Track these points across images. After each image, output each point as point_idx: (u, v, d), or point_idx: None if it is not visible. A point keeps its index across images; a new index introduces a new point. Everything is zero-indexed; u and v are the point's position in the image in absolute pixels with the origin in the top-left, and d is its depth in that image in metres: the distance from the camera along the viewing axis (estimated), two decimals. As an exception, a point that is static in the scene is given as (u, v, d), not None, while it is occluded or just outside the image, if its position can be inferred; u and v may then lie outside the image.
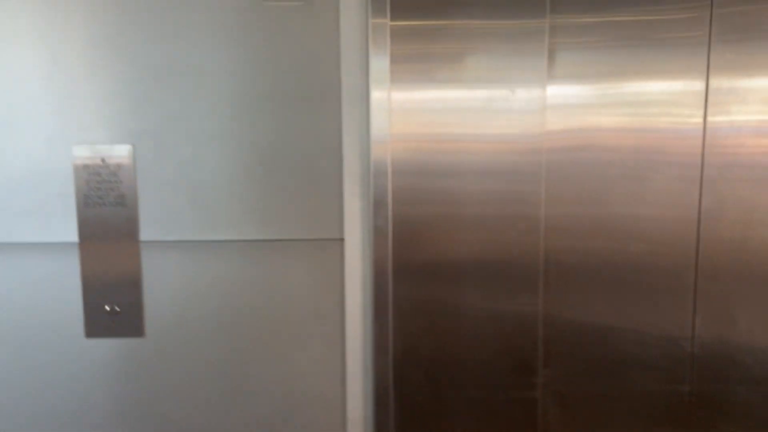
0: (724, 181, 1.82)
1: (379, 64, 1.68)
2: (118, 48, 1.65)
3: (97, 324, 1.71)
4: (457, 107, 1.78)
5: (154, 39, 1.65)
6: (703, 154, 1.81)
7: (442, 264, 1.83)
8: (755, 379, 1.88)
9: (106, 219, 1.69)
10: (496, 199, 1.83)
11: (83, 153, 1.66)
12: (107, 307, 1.71)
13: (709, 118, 1.79)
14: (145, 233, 1.69)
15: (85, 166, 1.67)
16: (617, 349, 1.88)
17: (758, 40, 1.76)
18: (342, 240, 1.72)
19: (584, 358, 1.89)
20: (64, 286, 1.70)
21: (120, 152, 1.67)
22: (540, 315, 1.87)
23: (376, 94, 1.68)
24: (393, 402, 1.81)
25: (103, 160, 1.66)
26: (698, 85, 1.78)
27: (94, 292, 1.70)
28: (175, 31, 1.64)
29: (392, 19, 1.71)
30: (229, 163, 1.69)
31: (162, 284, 1.71)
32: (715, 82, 1.78)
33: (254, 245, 1.72)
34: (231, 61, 1.66)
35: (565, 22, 1.77)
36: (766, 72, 1.77)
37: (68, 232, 1.68)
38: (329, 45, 1.67)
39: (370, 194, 1.70)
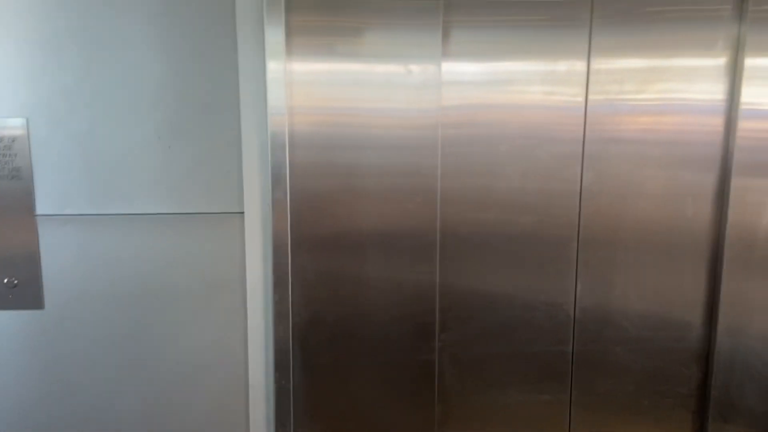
0: (603, 158, 1.94)
1: (274, 35, 1.70)
2: (11, 18, 1.62)
3: (-5, 297, 1.72)
4: (355, 81, 1.83)
5: (49, 8, 1.63)
6: (584, 132, 1.93)
7: (342, 235, 1.90)
8: (630, 340, 2.05)
9: (1, 192, 1.69)
10: (394, 172, 1.91)
11: (-27, 126, 1.65)
12: (5, 280, 1.72)
13: (590, 97, 1.91)
14: (42, 207, 1.70)
15: (-23, 140, 1.66)
16: (507, 315, 2.00)
17: (637, 23, 1.87)
18: (242, 213, 1.77)
19: (478, 323, 2.01)
20: (-42, 259, 1.70)
21: (14, 124, 1.66)
22: (437, 283, 1.97)
23: (272, 66, 1.71)
24: (293, 367, 1.89)
25: (-6, 133, 1.65)
26: (580, 65, 1.88)
27: (-10, 265, 1.70)
28: (70, 3, 1.63)
29: None
30: (127, 136, 1.70)
31: (60, 257, 1.73)
32: (595, 63, 1.88)
33: (153, 219, 1.75)
34: (129, 32, 1.66)
35: (458, 1, 1.83)
36: (643, 53, 1.88)
37: (-39, 205, 1.68)
38: (225, 18, 1.68)
39: (268, 168, 1.74)
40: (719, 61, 1.90)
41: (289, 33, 1.74)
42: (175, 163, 1.73)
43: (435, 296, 1.98)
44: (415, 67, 1.85)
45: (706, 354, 2.07)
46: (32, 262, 1.71)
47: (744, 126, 1.91)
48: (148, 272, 1.77)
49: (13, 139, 1.67)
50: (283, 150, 1.76)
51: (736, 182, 1.94)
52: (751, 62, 1.87)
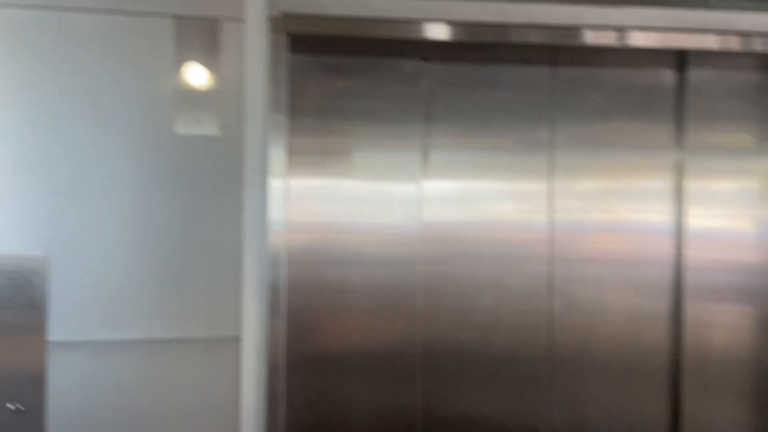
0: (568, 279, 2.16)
1: (277, 156, 1.93)
2: (38, 164, 1.84)
3: (0, 423, 1.79)
4: (345, 197, 2.07)
5: (71, 156, 1.86)
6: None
7: (332, 354, 2.05)
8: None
9: (16, 320, 1.81)
10: (379, 289, 2.09)
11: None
12: (11, 406, 1.79)
13: (556, 215, 2.15)
14: (53, 333, 1.82)
15: (0, 272, 1.81)
16: (486, 436, 2.12)
17: (595, 148, 2.17)
18: (238, 338, 1.91)
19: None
20: (-32, 385, 1.78)
21: (34, 258, 1.82)
22: (420, 406, 2.09)
23: (274, 183, 1.92)
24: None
25: (17, 265, 1.81)
26: (543, 185, 2.15)
27: (-2, 391, 1.79)
28: (92, 150, 1.86)
29: (290, 117, 1.98)
30: (135, 268, 1.87)
31: (66, 382, 1.83)
32: (557, 184, 2.15)
33: (156, 344, 1.88)
34: (140, 178, 1.88)
35: (437, 128, 2.12)
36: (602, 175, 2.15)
37: (-23, 333, 1.79)
38: (235, 163, 1.93)
39: (266, 292, 1.90)
40: (665, 185, 2.19)
41: (290, 154, 1.98)
42: (178, 292, 1.89)
43: (418, 420, 2.10)
44: (398, 186, 2.10)
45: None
46: (39, 387, 1.80)
47: (690, 247, 2.17)
48: (149, 396, 1.87)
49: (33, 271, 1.82)
50: (280, 266, 1.93)
51: (689, 304, 2.16)
52: (692, 186, 2.15)
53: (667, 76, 2.21)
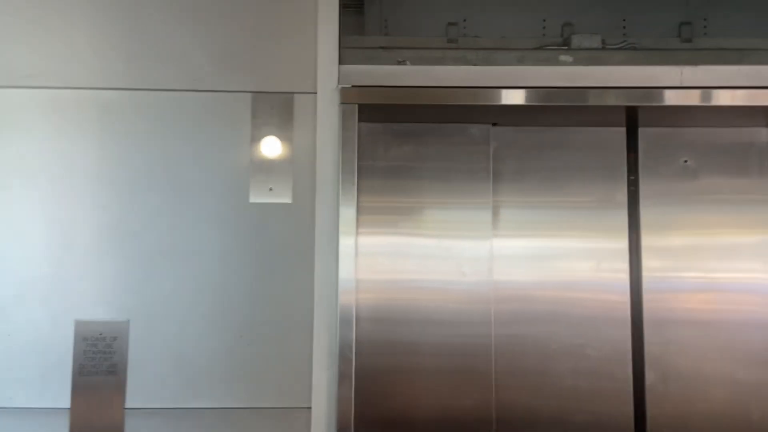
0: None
1: (347, 214, 1.92)
2: (122, 233, 1.93)
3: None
4: (413, 254, 2.03)
5: (153, 226, 1.94)
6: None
7: (400, 421, 1.99)
8: None
9: (97, 386, 1.87)
10: (449, 350, 2.02)
11: (84, 327, 1.89)
12: (89, 472, 1.84)
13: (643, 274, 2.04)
14: (131, 400, 1.87)
15: (84, 339, 1.89)
16: None
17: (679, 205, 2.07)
18: (309, 408, 1.90)
19: None
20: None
21: (117, 326, 1.90)
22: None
23: (344, 241, 1.91)
24: None
25: (101, 333, 1.89)
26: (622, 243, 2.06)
27: (78, 457, 1.84)
28: (173, 220, 1.94)
29: (360, 178, 1.97)
30: (212, 336, 1.91)
31: (142, 449, 1.87)
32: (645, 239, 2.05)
33: (229, 413, 1.89)
34: (219, 248, 1.94)
35: (506, 188, 2.08)
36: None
37: (62, 398, 1.86)
38: (306, 229, 1.95)
39: (336, 360, 1.88)
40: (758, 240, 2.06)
41: (360, 212, 1.98)
42: (252, 359, 1.91)
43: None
44: (468, 243, 2.05)
45: None
46: (117, 456, 1.85)
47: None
48: (220, 466, 1.88)
49: (114, 338, 1.90)
50: (350, 325, 1.90)
51: None
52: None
53: (758, 133, 2.10)
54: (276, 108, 1.97)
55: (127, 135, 1.96)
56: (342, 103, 1.95)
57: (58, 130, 1.95)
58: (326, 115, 1.96)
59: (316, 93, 1.97)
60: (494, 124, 2.09)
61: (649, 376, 2.01)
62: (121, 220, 1.94)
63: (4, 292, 1.90)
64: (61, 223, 1.92)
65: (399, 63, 2.01)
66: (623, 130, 2.10)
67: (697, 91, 1.97)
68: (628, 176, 2.09)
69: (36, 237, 1.91)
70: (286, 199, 1.96)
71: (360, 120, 1.95)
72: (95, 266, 1.92)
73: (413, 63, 2.00)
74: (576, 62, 2.01)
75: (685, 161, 2.10)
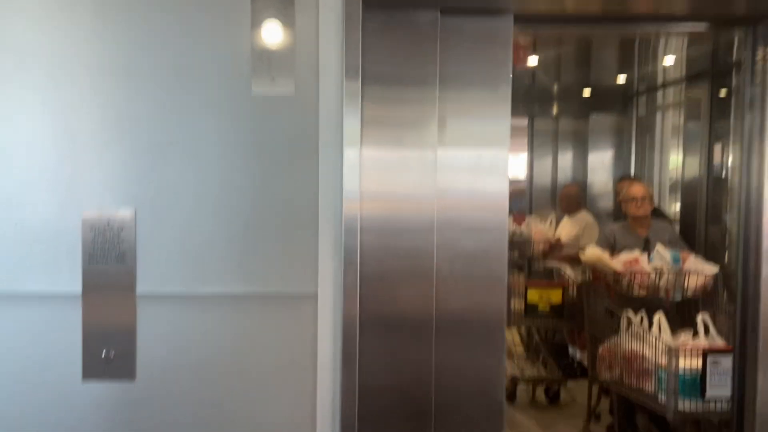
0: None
1: (351, 125, 1.88)
2: (125, 123, 1.92)
3: (94, 368, 1.91)
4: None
5: (157, 116, 1.92)
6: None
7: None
8: None
9: (107, 274, 1.91)
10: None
11: (91, 216, 1.91)
12: (104, 353, 1.91)
13: None
14: (141, 287, 1.92)
15: (92, 228, 1.91)
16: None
17: None
18: (315, 295, 1.94)
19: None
20: (66, 332, 1.91)
21: (123, 215, 1.91)
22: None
23: (348, 153, 1.88)
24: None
25: (108, 222, 1.90)
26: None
27: (92, 338, 1.90)
28: (177, 111, 1.92)
29: (363, 83, 1.88)
30: (216, 225, 1.93)
31: (153, 333, 1.92)
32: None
33: (237, 299, 1.94)
34: (221, 138, 1.93)
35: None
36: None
37: (73, 285, 1.91)
38: (310, 125, 1.93)
39: (341, 253, 1.92)
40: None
41: (364, 122, 1.91)
42: (257, 248, 1.94)
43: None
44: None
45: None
46: (129, 336, 1.91)
47: None
48: (229, 347, 1.94)
49: (122, 228, 1.92)
50: (354, 234, 1.92)
51: None
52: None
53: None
54: (276, -9, 1.91)
55: (125, 21, 1.90)
56: (346, -14, 1.86)
57: (52, 12, 1.89)
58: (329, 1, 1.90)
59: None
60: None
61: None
62: (124, 110, 1.92)
63: (9, 181, 1.90)
64: (63, 112, 1.90)
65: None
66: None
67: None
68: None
69: (38, 124, 1.90)
70: (289, 90, 1.93)
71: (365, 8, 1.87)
72: (99, 156, 1.92)
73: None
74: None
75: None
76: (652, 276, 3.97)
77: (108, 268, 1.91)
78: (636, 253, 4.14)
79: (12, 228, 1.91)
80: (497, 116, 1.99)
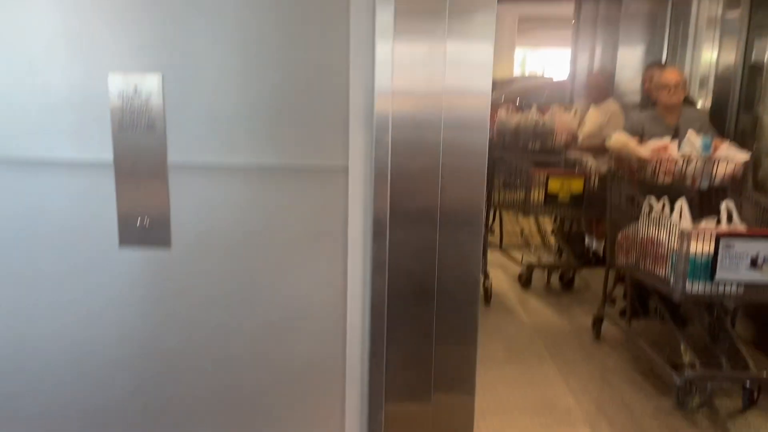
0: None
1: (384, 16, 1.81)
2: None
3: (130, 235, 1.94)
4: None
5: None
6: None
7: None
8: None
9: (138, 142, 1.89)
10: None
11: (118, 81, 1.86)
12: (138, 221, 1.93)
13: None
14: (172, 156, 1.90)
15: (120, 95, 1.87)
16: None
17: None
18: (346, 168, 1.92)
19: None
20: (100, 200, 1.92)
21: (151, 81, 1.86)
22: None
23: (380, 47, 1.81)
24: (387, 314, 2.03)
25: (135, 88, 1.86)
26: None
27: (127, 207, 1.92)
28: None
29: None
30: (246, 94, 1.88)
31: (186, 202, 1.93)
32: None
33: (267, 170, 1.92)
34: (253, 7, 1.83)
35: None
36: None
37: (104, 152, 1.89)
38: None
39: (373, 125, 1.88)
40: None
41: (398, 14, 1.83)
42: (288, 119, 1.89)
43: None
44: None
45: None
46: (163, 205, 1.92)
47: None
48: (260, 218, 1.95)
49: (150, 95, 1.87)
50: (386, 112, 1.88)
51: None
52: None
53: None
54: None
55: None
56: None
57: None
58: None
59: None
60: None
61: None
62: (147, -30, 1.82)
63: (31, 43, 1.84)
64: (84, -30, 1.81)
65: None
66: None
67: None
68: None
69: (59, -17, 1.82)
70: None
71: None
72: (125, 19, 1.84)
73: None
74: None
75: None
76: (680, 163, 3.91)
77: (138, 137, 1.89)
78: (665, 140, 4.06)
79: (37, 93, 1.87)
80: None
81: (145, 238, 1.94)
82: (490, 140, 5.98)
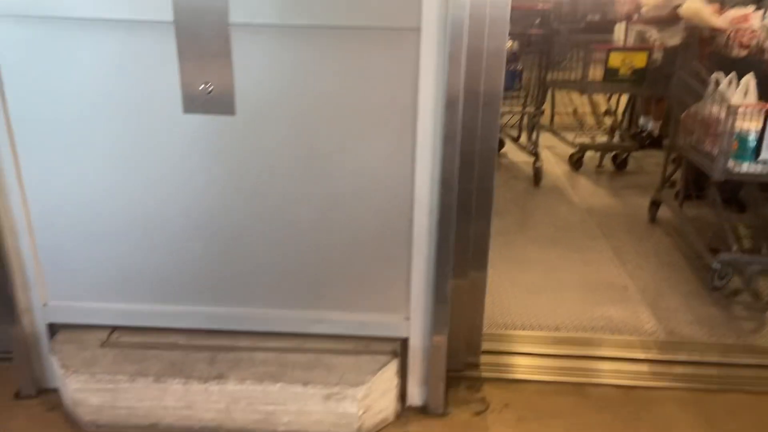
0: None
1: None
2: None
3: (193, 101, 1.88)
4: None
5: None
6: None
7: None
8: None
9: (199, 2, 1.78)
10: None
11: (175, -68, 1.72)
12: (201, 86, 1.86)
13: None
14: (234, 16, 1.79)
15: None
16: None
17: None
18: (419, 29, 1.79)
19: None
20: (162, 63, 1.84)
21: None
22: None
23: None
24: (457, 186, 1.97)
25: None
26: None
27: (189, 70, 1.84)
28: None
29: None
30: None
31: (250, 66, 1.84)
32: None
33: (334, 31, 1.81)
34: None
35: None
36: None
37: (164, 12, 1.79)
38: None
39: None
40: None
41: None
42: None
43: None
44: None
45: None
46: (226, 69, 1.84)
47: None
48: (327, 83, 1.86)
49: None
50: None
51: None
52: None
53: None
54: None
55: None
56: None
57: None
58: None
59: None
60: None
61: None
62: None
63: None
64: None
65: None
66: None
67: None
68: None
69: None
70: None
71: None
72: None
73: None
74: None
75: None
76: (761, 34, 3.60)
77: (196, -4, 1.77)
78: (748, 9, 3.71)
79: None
80: None
81: (208, 105, 1.88)
82: (547, 12, 5.63)
